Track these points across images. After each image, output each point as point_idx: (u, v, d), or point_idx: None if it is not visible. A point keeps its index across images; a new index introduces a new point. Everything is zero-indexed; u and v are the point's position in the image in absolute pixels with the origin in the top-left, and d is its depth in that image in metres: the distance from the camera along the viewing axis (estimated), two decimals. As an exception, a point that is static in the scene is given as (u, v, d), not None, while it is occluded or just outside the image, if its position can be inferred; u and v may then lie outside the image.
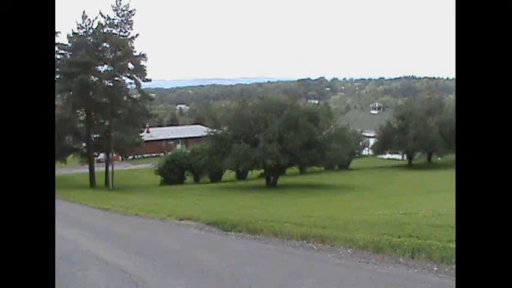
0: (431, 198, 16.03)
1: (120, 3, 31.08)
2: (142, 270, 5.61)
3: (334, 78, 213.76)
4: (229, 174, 35.43)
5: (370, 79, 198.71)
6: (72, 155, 34.63)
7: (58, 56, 30.70)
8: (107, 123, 33.07)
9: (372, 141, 45.81)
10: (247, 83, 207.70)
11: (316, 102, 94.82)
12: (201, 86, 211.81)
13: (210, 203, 17.86)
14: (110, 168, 32.67)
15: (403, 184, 27.62)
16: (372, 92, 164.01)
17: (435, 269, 4.89)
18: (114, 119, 32.26)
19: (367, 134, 46.65)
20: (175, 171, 34.77)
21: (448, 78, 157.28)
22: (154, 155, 53.15)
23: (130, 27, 31.68)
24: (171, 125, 78.75)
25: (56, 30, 27.73)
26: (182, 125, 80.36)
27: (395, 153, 45.10)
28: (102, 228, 10.52)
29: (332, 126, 29.66)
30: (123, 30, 31.51)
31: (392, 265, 5.20)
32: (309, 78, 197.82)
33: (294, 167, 34.19)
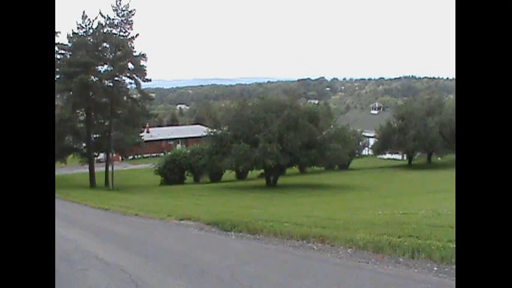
0: (431, 198, 16.03)
1: (120, 3, 31.09)
2: (142, 270, 5.61)
3: (334, 78, 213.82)
4: (229, 174, 35.43)
5: (370, 79, 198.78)
6: (72, 155, 34.64)
7: (58, 56, 30.70)
8: (107, 123, 33.08)
9: (371, 141, 45.82)
10: (247, 83, 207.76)
11: (316, 102, 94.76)
12: (201, 86, 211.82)
13: (210, 203, 17.87)
14: (110, 168, 32.67)
15: (403, 184, 27.63)
16: (372, 92, 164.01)
17: (435, 269, 4.89)
18: (114, 119, 32.27)
19: (367, 134, 46.67)
20: (175, 171, 34.78)
21: (448, 78, 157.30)
22: (154, 155, 53.17)
23: (130, 27, 31.71)
24: (171, 125, 78.77)
25: (56, 30, 27.73)
26: (182, 125, 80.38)
27: (395, 153, 45.11)
28: (102, 228, 10.52)
29: (332, 126, 29.66)
30: (123, 30, 31.51)
31: (392, 265, 5.20)
32: (309, 78, 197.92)
33: (294, 167, 34.20)
